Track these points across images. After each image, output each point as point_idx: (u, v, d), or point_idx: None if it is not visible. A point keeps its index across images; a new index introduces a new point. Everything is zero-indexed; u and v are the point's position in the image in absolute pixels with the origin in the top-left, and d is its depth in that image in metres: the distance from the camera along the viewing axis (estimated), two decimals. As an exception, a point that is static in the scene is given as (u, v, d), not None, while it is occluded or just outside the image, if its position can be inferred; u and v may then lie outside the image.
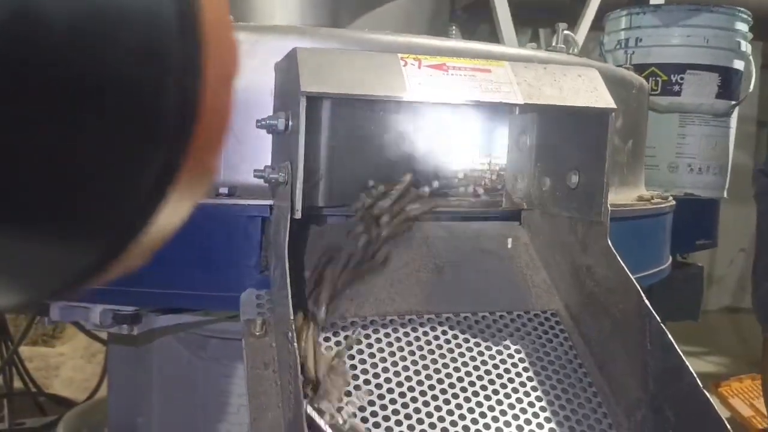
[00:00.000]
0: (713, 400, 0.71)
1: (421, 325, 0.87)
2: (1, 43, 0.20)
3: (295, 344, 0.68)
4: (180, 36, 0.22)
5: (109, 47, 0.21)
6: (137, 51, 0.22)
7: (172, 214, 0.24)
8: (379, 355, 0.81)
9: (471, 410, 0.79)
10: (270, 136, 0.87)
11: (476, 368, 0.84)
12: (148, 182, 0.23)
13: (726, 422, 0.69)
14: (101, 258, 0.24)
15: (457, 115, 1.06)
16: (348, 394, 0.76)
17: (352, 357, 0.80)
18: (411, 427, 0.76)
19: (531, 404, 0.82)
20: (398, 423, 0.76)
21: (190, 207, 0.25)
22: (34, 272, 0.24)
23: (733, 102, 1.98)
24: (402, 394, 0.78)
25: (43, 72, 0.21)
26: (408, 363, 0.82)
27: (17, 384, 2.23)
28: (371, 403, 0.77)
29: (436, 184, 1.03)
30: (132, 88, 0.22)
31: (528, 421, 0.80)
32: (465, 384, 0.81)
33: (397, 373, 0.80)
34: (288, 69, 0.81)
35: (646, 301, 0.79)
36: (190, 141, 0.23)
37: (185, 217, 0.26)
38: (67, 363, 2.92)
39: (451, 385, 0.81)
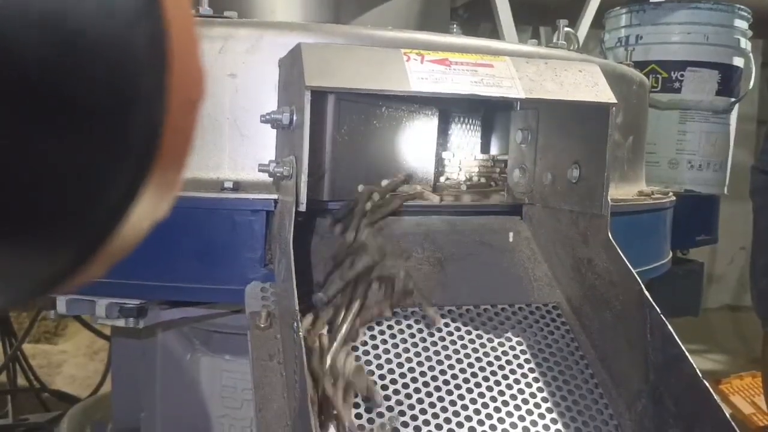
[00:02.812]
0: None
1: (424, 317, 0.87)
2: None
3: (301, 334, 0.69)
4: (149, 64, 0.23)
5: (80, 73, 0.22)
6: (107, 77, 0.23)
7: (136, 226, 0.25)
8: (382, 347, 0.82)
9: (473, 401, 0.80)
10: (274, 131, 0.88)
11: (478, 360, 0.85)
12: (113, 199, 0.24)
13: (724, 410, 0.70)
14: (66, 267, 0.25)
15: (459, 111, 1.07)
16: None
17: (356, 348, 0.81)
18: (414, 417, 0.77)
19: (533, 395, 0.83)
20: (401, 413, 0.77)
21: (153, 221, 0.27)
22: (5, 276, 0.25)
23: (733, 99, 1.99)
24: (405, 385, 0.79)
25: (11, 91, 0.22)
26: (411, 354, 0.83)
27: (20, 381, 2.24)
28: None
29: (440, 178, 1.04)
30: (101, 111, 0.23)
31: (530, 412, 0.81)
32: (467, 375, 0.82)
33: (399, 365, 0.81)
34: (292, 64, 0.81)
35: (647, 293, 0.80)
36: (153, 162, 0.24)
37: (148, 230, 0.27)
38: (70, 361, 2.93)
39: (454, 377, 0.82)
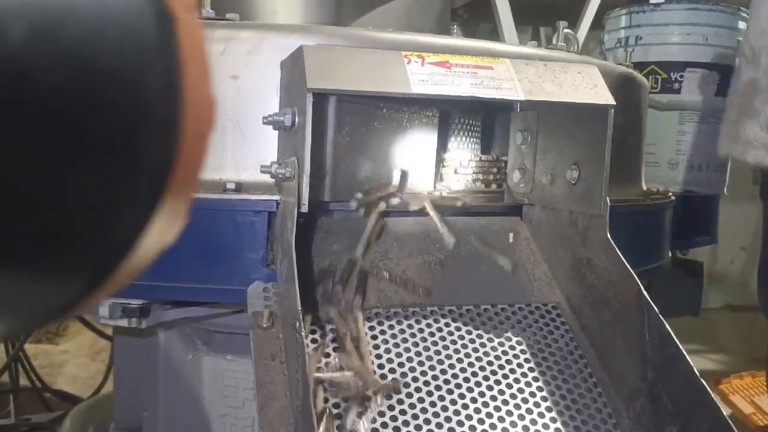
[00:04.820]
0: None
1: (424, 317, 0.88)
2: None
3: (303, 334, 0.70)
4: (163, 101, 0.24)
5: (97, 108, 0.23)
6: (122, 113, 0.24)
7: (145, 254, 0.26)
8: (383, 347, 0.83)
9: (474, 400, 0.81)
10: (276, 133, 0.89)
11: (478, 359, 0.85)
12: (125, 229, 0.25)
13: (722, 409, 0.70)
14: (77, 294, 0.26)
15: (460, 112, 1.08)
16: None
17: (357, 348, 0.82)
18: (415, 416, 0.77)
19: (532, 394, 0.83)
20: (402, 412, 0.77)
21: (161, 248, 0.28)
22: (15, 304, 0.25)
23: (733, 100, 1.99)
24: (406, 384, 0.80)
25: (31, 123, 0.22)
26: (411, 354, 0.83)
27: (22, 381, 2.25)
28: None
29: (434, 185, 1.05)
30: (115, 146, 0.24)
31: (529, 410, 0.81)
32: (468, 375, 0.83)
33: (400, 364, 0.82)
34: (294, 66, 0.82)
35: (645, 293, 0.81)
36: (164, 193, 0.25)
37: (156, 256, 0.28)
38: (71, 361, 2.93)
39: (454, 376, 0.82)
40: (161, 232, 0.26)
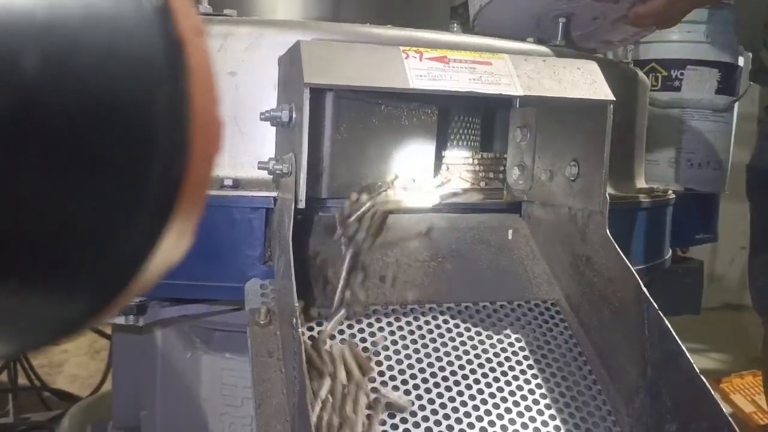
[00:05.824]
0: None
1: (423, 314, 0.88)
2: (4, 124, 0.23)
3: (300, 330, 0.69)
4: (172, 121, 0.25)
5: (105, 129, 0.24)
6: (131, 133, 0.24)
7: (152, 272, 0.27)
8: (381, 344, 0.83)
9: (472, 397, 0.80)
10: (274, 129, 0.88)
11: (477, 357, 0.85)
12: (133, 250, 0.26)
13: (721, 405, 0.70)
14: (83, 314, 0.26)
15: (459, 109, 1.07)
16: None
17: (354, 345, 0.81)
18: (412, 413, 0.77)
19: (531, 391, 0.83)
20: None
21: (168, 266, 0.28)
22: (23, 323, 0.26)
23: (733, 97, 1.98)
24: (404, 382, 0.80)
25: (41, 146, 0.23)
26: (410, 351, 0.83)
27: (21, 380, 2.24)
28: (373, 390, 0.78)
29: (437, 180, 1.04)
30: (124, 165, 0.24)
31: (528, 408, 0.81)
32: (466, 372, 0.83)
33: (399, 361, 0.81)
34: (291, 62, 0.82)
35: (644, 290, 0.80)
36: (172, 215, 0.26)
37: (163, 274, 0.28)
38: (71, 360, 2.93)
39: (453, 373, 0.82)
40: (168, 250, 0.27)
